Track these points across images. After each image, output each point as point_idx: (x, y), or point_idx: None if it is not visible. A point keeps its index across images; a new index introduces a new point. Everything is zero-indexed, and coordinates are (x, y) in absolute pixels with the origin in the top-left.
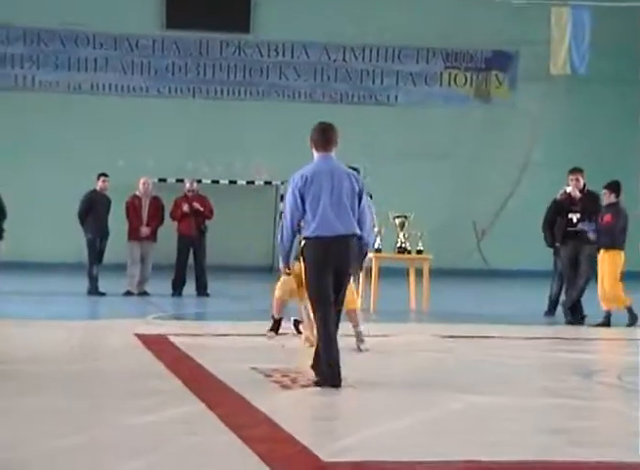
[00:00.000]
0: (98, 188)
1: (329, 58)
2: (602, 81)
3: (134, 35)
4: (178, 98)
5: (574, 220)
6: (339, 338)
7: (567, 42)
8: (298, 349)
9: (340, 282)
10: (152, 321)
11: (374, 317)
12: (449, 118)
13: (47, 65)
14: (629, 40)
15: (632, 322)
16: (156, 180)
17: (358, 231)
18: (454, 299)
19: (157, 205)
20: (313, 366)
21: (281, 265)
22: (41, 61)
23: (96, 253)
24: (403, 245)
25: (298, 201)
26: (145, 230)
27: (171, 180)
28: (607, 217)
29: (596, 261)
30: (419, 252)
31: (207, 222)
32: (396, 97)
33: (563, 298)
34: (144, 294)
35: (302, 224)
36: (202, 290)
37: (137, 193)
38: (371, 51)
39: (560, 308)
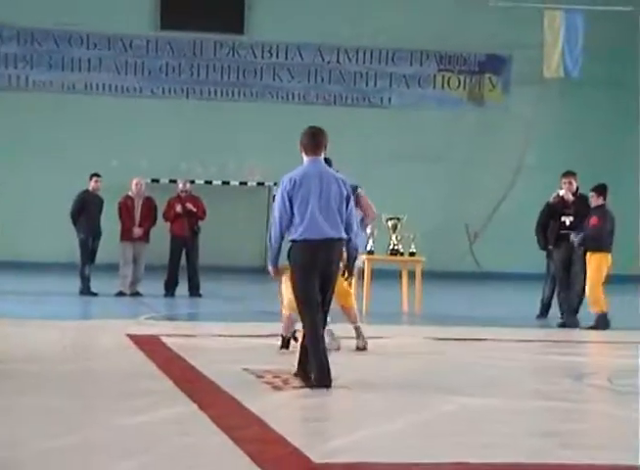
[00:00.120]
0: (90, 188)
1: (323, 59)
2: (595, 85)
3: (128, 35)
4: (172, 98)
5: (567, 223)
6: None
7: (560, 46)
8: (290, 351)
9: (326, 285)
10: (144, 322)
11: (366, 319)
12: (442, 121)
13: (41, 64)
14: (622, 44)
15: (597, 327)
16: (149, 181)
17: (345, 235)
18: (446, 301)
19: (149, 205)
20: (297, 373)
21: (270, 267)
22: (35, 61)
23: (88, 253)
24: (396, 247)
25: (287, 203)
26: (137, 231)
27: (164, 181)
28: (593, 220)
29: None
30: (412, 254)
31: (200, 223)
32: (390, 99)
33: (561, 297)
34: (136, 294)
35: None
36: (194, 291)
37: (130, 193)
38: (365, 53)
39: (552, 311)
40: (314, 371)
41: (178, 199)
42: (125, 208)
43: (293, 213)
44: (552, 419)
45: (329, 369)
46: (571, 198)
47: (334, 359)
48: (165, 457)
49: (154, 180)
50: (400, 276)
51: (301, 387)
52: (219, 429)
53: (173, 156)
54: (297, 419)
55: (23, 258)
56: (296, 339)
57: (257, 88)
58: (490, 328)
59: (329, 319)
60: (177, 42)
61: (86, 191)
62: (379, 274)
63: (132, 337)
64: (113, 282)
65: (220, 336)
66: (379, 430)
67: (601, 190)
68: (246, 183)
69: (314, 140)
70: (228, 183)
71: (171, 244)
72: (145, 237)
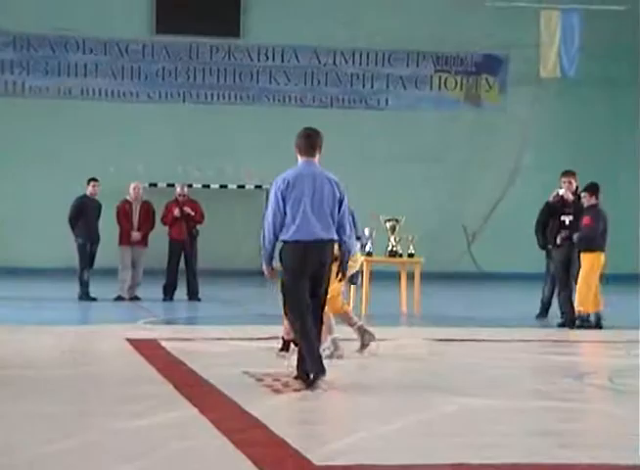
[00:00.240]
0: (88, 193)
1: (319, 62)
2: (592, 84)
3: (124, 40)
4: (168, 103)
5: (567, 223)
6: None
7: (556, 45)
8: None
9: (318, 286)
10: (143, 326)
11: (365, 321)
12: (439, 122)
13: (37, 70)
14: (619, 43)
15: (572, 324)
16: (146, 185)
17: (336, 237)
18: (445, 302)
19: (147, 209)
20: (297, 377)
21: (264, 268)
22: (31, 66)
23: (87, 258)
24: (394, 248)
25: (280, 204)
26: (136, 235)
27: (162, 185)
28: (586, 220)
29: None
30: (410, 255)
31: (198, 227)
32: (387, 101)
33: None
34: (135, 299)
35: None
36: (193, 294)
37: (128, 198)
38: (361, 55)
39: (552, 311)
40: (309, 365)
41: (176, 203)
42: (123, 212)
43: (285, 214)
44: (552, 419)
45: (322, 360)
46: (570, 197)
47: (334, 362)
48: (165, 461)
49: (151, 184)
50: (399, 277)
51: (301, 389)
52: (219, 432)
53: (170, 160)
54: (298, 422)
55: (22, 264)
56: (296, 342)
57: (254, 91)
58: (490, 328)
59: (335, 327)
60: (173, 46)
61: (84, 196)
62: (377, 276)
63: (131, 341)
64: (111, 287)
65: (219, 339)
66: (379, 431)
67: (593, 189)
68: (243, 186)
69: (309, 141)
70: (226, 187)
71: (170, 248)
72: (143, 241)
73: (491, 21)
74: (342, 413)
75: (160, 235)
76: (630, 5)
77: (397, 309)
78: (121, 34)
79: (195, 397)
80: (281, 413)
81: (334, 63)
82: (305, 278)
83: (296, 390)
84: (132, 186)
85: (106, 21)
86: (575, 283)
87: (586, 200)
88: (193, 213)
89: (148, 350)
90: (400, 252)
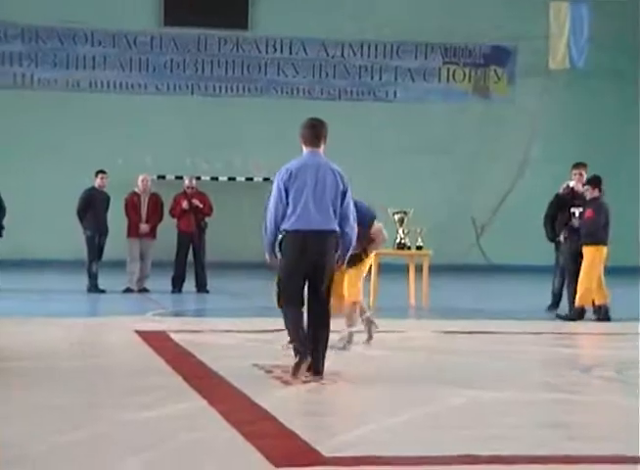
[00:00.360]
0: (96, 185)
1: (327, 54)
2: (600, 76)
3: (132, 32)
4: (176, 95)
5: (577, 215)
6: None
7: (566, 36)
8: None
9: (318, 276)
10: (152, 318)
11: (374, 314)
12: (448, 114)
13: (45, 62)
14: (628, 34)
15: (569, 317)
16: (154, 177)
17: (337, 228)
18: (454, 294)
19: (156, 202)
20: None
21: (267, 257)
22: (40, 59)
23: (95, 250)
24: (403, 241)
25: (282, 194)
26: (144, 227)
27: (170, 177)
28: (588, 213)
29: None
30: (418, 247)
31: (207, 219)
32: (395, 93)
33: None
34: (144, 291)
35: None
36: (201, 287)
37: (136, 190)
38: (369, 47)
39: (563, 304)
40: (297, 347)
41: (184, 195)
42: (132, 204)
43: (288, 204)
44: (560, 411)
45: (306, 352)
46: (581, 189)
47: (344, 353)
48: (174, 453)
49: (159, 177)
50: (407, 270)
51: (310, 381)
52: (229, 424)
53: (179, 152)
54: (307, 413)
55: (30, 256)
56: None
57: (262, 83)
58: (498, 321)
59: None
60: (181, 38)
61: (92, 188)
62: (386, 268)
63: (140, 333)
64: (120, 279)
65: (228, 331)
66: (388, 423)
67: (596, 182)
68: (252, 179)
69: (313, 132)
70: (234, 179)
71: (178, 240)
72: (152, 233)
73: (500, 12)
74: (351, 405)
75: (168, 227)
76: None
77: (406, 302)
78: (130, 26)
79: (204, 388)
80: (290, 405)
81: (342, 55)
82: (302, 268)
83: (305, 382)
84: (140, 178)
85: (114, 13)
86: None
87: (589, 193)
88: (201, 206)
89: (157, 341)
90: (409, 244)
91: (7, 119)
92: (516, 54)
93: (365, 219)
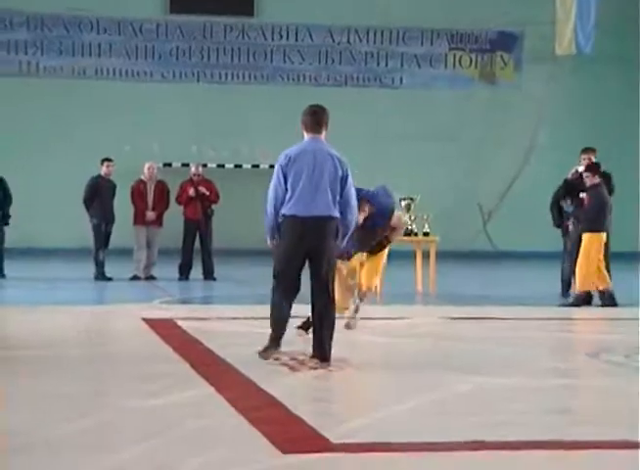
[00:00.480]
0: (103, 173)
1: (333, 40)
2: (607, 61)
3: (138, 20)
4: (182, 82)
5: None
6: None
7: (572, 22)
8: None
9: (317, 260)
10: (159, 305)
11: (380, 300)
12: (454, 101)
13: (51, 50)
14: (634, 19)
15: (571, 303)
16: (161, 165)
17: (336, 214)
18: (461, 281)
19: (162, 189)
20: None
21: (268, 241)
22: (45, 46)
23: (102, 238)
24: (410, 227)
25: (281, 179)
26: (151, 215)
27: (176, 165)
28: (586, 200)
29: (608, 243)
30: (425, 234)
31: (213, 206)
32: (401, 79)
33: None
34: (151, 278)
35: None
36: (208, 274)
37: (142, 177)
38: (375, 33)
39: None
40: (272, 332)
41: (191, 182)
42: (138, 192)
43: (287, 189)
44: (568, 396)
45: (278, 342)
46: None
47: (348, 339)
48: (181, 440)
49: (166, 164)
50: (414, 256)
51: (317, 367)
52: (236, 411)
53: (185, 139)
54: (314, 400)
55: (36, 245)
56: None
57: (268, 70)
58: (505, 307)
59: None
60: (187, 26)
61: (98, 176)
62: (393, 255)
63: (147, 321)
64: (127, 266)
65: (235, 319)
66: (395, 410)
67: (595, 169)
68: (258, 166)
69: (315, 118)
70: (240, 166)
71: (185, 227)
72: (158, 221)
73: None
74: (358, 392)
75: (174, 215)
76: None
77: (413, 288)
78: (135, 14)
79: (211, 375)
80: (297, 392)
81: (348, 41)
82: (299, 253)
83: (312, 368)
84: (147, 166)
85: (119, 0)
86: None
87: (589, 180)
88: (208, 193)
89: (164, 329)
90: (416, 230)
91: (13, 107)
92: (522, 40)
93: (386, 211)
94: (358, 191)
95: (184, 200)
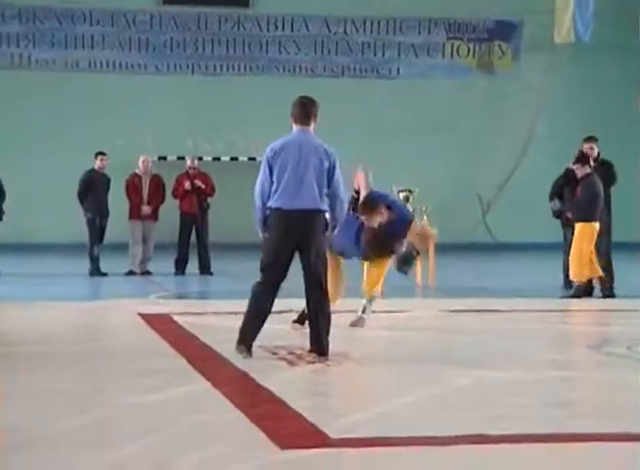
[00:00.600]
0: (96, 167)
1: (329, 31)
2: (606, 50)
3: (131, 11)
4: (177, 74)
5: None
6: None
7: (571, 10)
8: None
9: (306, 253)
10: (155, 301)
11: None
12: (452, 91)
13: (43, 43)
14: (633, 7)
15: (572, 294)
16: (155, 158)
17: (323, 207)
18: (460, 273)
19: (157, 183)
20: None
21: (259, 233)
22: (37, 39)
23: (96, 233)
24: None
25: (267, 172)
26: (146, 209)
27: (172, 158)
28: (578, 190)
29: (609, 233)
30: None
31: (209, 200)
32: (398, 69)
33: None
34: (146, 273)
35: None
36: (205, 268)
37: (137, 171)
38: (372, 23)
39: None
40: (240, 332)
41: (186, 176)
42: (133, 186)
43: (272, 182)
44: (569, 389)
45: (245, 336)
46: (592, 164)
47: (347, 333)
48: (179, 435)
49: (161, 158)
50: None
51: (315, 362)
52: (234, 406)
53: (180, 132)
54: (313, 395)
55: (31, 240)
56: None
57: (264, 62)
58: (505, 299)
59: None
60: (181, 17)
61: (92, 170)
62: None
63: (143, 316)
64: (122, 261)
65: (232, 313)
66: (395, 404)
67: (583, 160)
68: (254, 159)
69: (304, 110)
70: (236, 159)
71: (181, 221)
72: (154, 215)
73: None
74: (357, 386)
75: (170, 209)
76: None
77: (412, 281)
78: (128, 5)
79: (208, 371)
80: (296, 386)
81: (344, 31)
82: (286, 247)
83: (310, 362)
84: (141, 159)
85: None
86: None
87: (580, 171)
88: (203, 186)
89: (160, 324)
90: None
91: (4, 101)
92: (520, 28)
93: (406, 219)
94: (378, 195)
95: (180, 193)
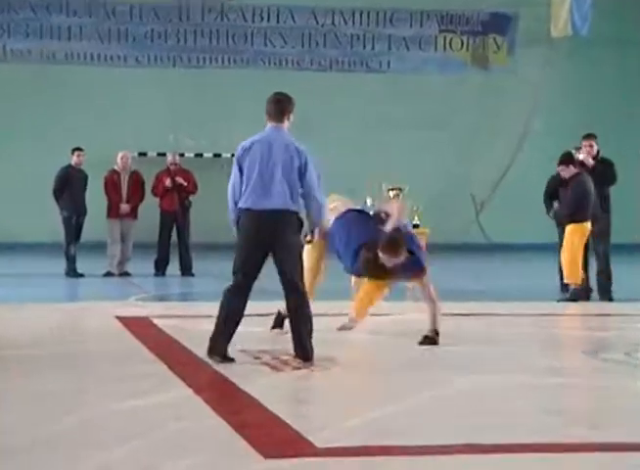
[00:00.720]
0: (73, 163)
1: (317, 22)
2: (604, 44)
3: (110, 1)
4: (158, 67)
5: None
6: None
7: (568, 2)
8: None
9: (280, 256)
10: (134, 303)
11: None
12: (445, 86)
13: (18, 33)
14: (630, 1)
15: (568, 298)
16: (135, 154)
17: (294, 207)
18: (453, 275)
19: (136, 180)
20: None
21: (234, 234)
22: (12, 29)
23: (73, 231)
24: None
25: (237, 171)
26: (125, 207)
27: (152, 154)
28: (568, 191)
29: (608, 235)
30: (415, 226)
31: (191, 197)
32: (389, 63)
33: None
34: (125, 274)
35: None
36: (186, 269)
37: (115, 168)
38: (361, 14)
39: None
40: (211, 338)
41: (167, 172)
42: (111, 183)
43: (243, 181)
44: (567, 396)
45: (218, 342)
46: (591, 162)
47: (338, 338)
48: (160, 442)
49: (141, 154)
50: None
51: (301, 367)
52: (215, 413)
53: (161, 127)
54: (298, 401)
55: (5, 239)
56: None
57: (248, 54)
58: (500, 302)
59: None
60: (162, 7)
61: (69, 166)
62: None
63: (122, 319)
64: (100, 262)
65: (214, 316)
66: (386, 411)
67: (568, 161)
68: None
69: (278, 106)
70: (220, 155)
71: (161, 220)
72: (133, 213)
73: None
74: (347, 393)
75: (150, 207)
76: None
77: (403, 284)
78: None
79: (189, 376)
80: (279, 393)
81: (332, 23)
82: (257, 248)
83: (295, 368)
84: (120, 155)
85: None
86: (597, 258)
87: (566, 172)
88: (185, 184)
89: (139, 328)
90: None
91: None
92: (516, 21)
93: (418, 265)
94: (405, 236)
95: (160, 191)
